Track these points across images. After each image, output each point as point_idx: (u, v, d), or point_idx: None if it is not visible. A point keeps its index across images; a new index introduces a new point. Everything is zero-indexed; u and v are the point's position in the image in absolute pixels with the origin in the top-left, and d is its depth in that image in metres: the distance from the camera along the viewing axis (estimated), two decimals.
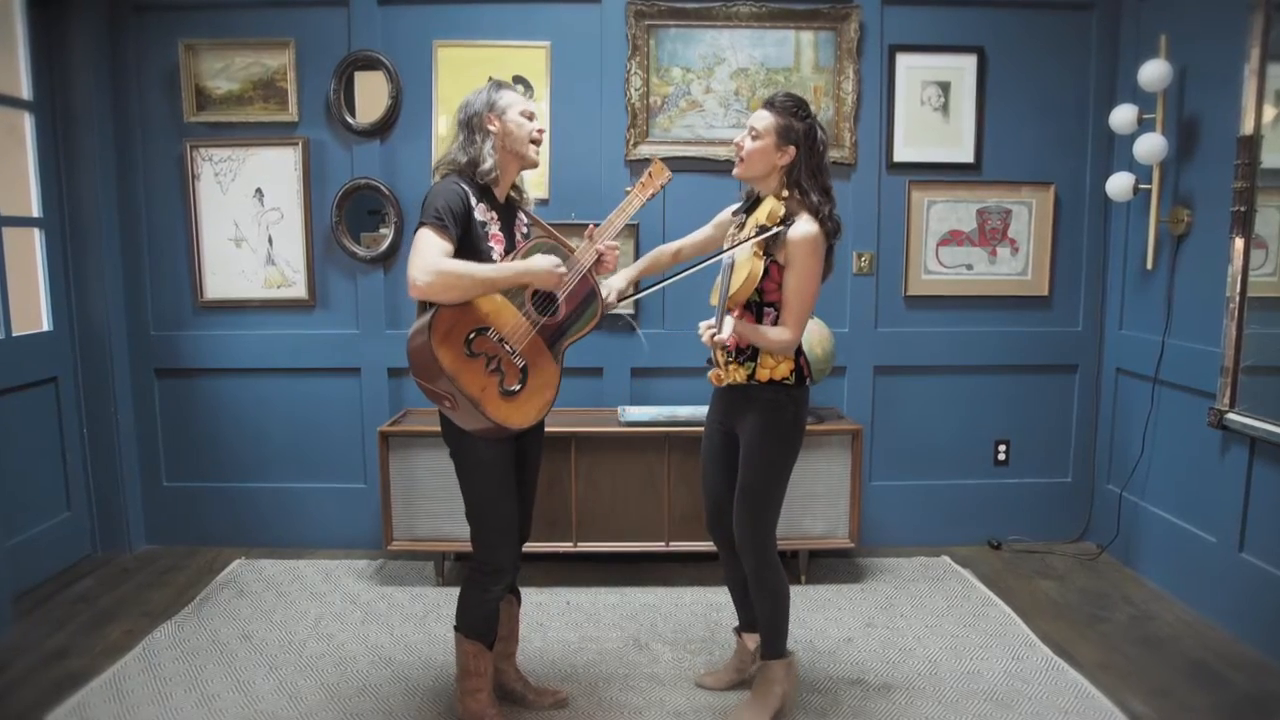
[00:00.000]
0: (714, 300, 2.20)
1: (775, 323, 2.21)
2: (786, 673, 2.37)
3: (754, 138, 2.19)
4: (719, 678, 2.61)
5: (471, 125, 2.21)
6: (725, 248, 2.24)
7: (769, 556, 2.31)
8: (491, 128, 2.20)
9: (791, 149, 2.18)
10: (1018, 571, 3.49)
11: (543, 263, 2.16)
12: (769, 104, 2.21)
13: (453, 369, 2.03)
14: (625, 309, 3.54)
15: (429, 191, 2.17)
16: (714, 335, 2.05)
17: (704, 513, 2.50)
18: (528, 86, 3.46)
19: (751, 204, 2.30)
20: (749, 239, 2.15)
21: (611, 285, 2.41)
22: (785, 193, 2.21)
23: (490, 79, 2.28)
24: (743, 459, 2.29)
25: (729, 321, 2.07)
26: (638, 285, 2.54)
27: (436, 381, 2.06)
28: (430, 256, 2.04)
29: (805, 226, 2.15)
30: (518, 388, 2.14)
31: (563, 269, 2.19)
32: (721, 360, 2.26)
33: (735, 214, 2.38)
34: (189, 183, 3.52)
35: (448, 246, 2.08)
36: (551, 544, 3.28)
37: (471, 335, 2.08)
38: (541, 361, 2.20)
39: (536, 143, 2.26)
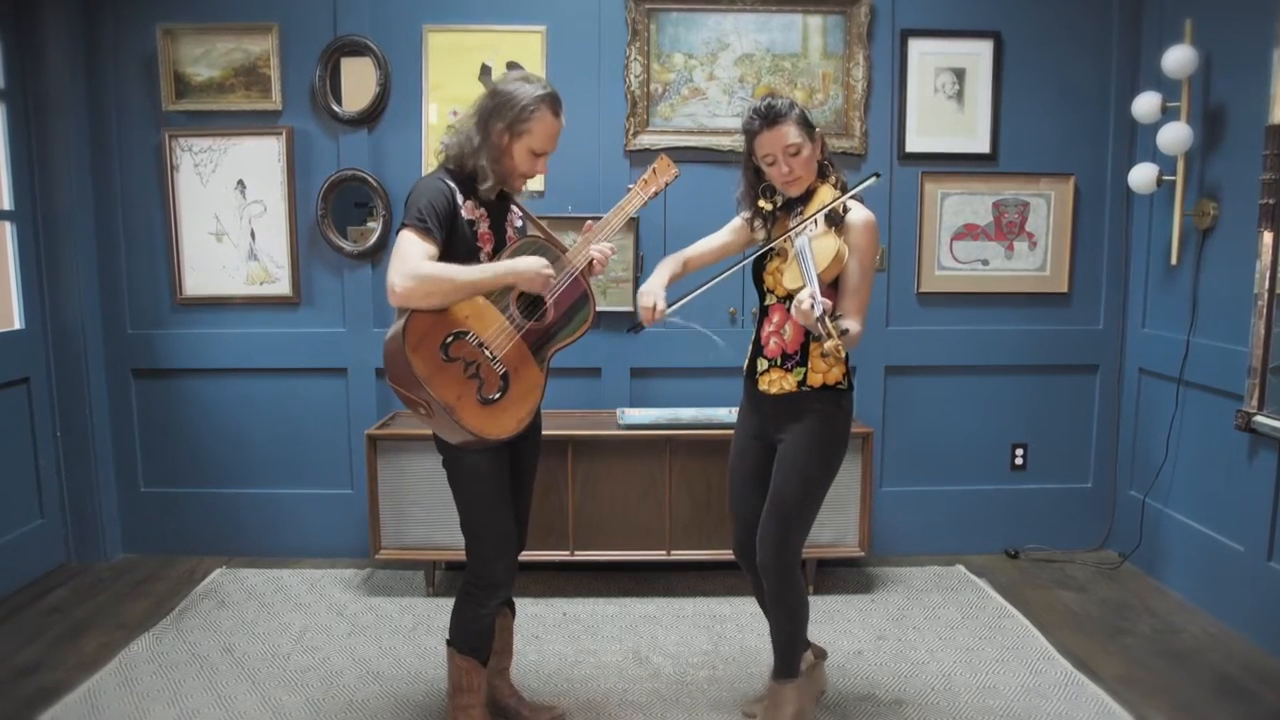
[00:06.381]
0: (789, 285, 2.12)
1: None
2: (798, 693, 2.32)
3: (795, 153, 2.13)
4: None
5: (488, 124, 2.09)
6: (793, 233, 2.15)
7: (793, 577, 2.23)
8: (498, 141, 2.10)
9: (817, 138, 2.19)
10: (1035, 581, 3.45)
11: (529, 264, 2.08)
12: (776, 117, 2.11)
13: (426, 375, 1.95)
14: (624, 306, 3.47)
15: (412, 189, 2.11)
16: (813, 305, 1.85)
17: (734, 537, 2.39)
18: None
19: (795, 201, 2.23)
20: (814, 217, 2.11)
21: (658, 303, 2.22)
22: (821, 180, 2.20)
23: (546, 89, 2.11)
24: (779, 467, 2.21)
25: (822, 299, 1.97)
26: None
27: (411, 388, 1.99)
28: (410, 260, 1.97)
29: (863, 212, 2.15)
30: (497, 396, 2.06)
31: (549, 271, 2.11)
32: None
33: (770, 214, 2.28)
34: (167, 174, 3.46)
35: (430, 249, 2.01)
36: (547, 553, 3.23)
37: (449, 339, 2.01)
38: (525, 368, 2.12)
39: (528, 177, 2.18)
